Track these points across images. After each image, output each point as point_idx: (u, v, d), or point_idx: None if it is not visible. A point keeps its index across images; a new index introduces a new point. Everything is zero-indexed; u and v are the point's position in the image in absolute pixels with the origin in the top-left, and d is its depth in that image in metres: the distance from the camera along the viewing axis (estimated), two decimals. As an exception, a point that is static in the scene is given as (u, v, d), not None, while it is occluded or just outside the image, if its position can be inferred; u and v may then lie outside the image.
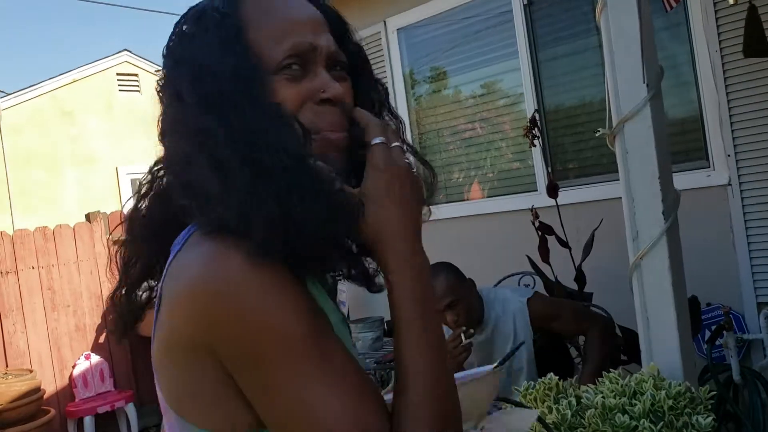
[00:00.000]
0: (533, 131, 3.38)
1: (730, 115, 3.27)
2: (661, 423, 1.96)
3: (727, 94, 3.27)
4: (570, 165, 4.06)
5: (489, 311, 2.61)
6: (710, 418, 2.03)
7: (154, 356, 0.81)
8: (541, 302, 2.72)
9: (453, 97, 4.61)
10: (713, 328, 3.13)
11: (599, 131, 2.46)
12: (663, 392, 2.05)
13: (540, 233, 3.44)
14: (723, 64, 3.27)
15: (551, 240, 3.45)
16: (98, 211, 5.80)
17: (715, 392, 2.24)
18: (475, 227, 4.34)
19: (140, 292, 0.90)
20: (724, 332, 3.07)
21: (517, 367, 2.67)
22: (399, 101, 4.67)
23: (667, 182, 2.35)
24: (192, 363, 0.75)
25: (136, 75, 11.32)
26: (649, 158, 2.33)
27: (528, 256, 3.48)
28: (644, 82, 2.33)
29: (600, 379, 2.27)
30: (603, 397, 2.07)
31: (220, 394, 0.75)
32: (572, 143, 4.00)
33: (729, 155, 3.29)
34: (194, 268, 0.74)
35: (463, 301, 2.50)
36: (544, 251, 3.43)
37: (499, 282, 3.67)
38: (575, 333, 2.71)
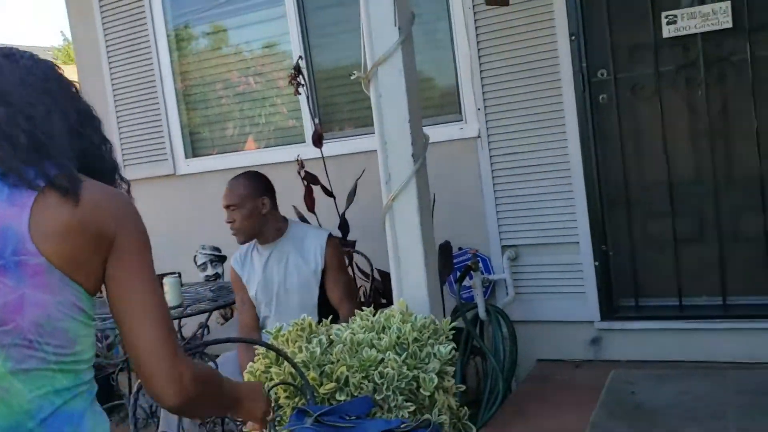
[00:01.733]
0: (297, 78, 3.33)
1: (481, 70, 3.48)
2: (405, 354, 2.03)
3: (479, 49, 3.47)
4: (337, 117, 4.09)
5: (294, 232, 2.87)
6: (450, 347, 2.15)
7: None
8: (338, 246, 2.88)
9: (219, 48, 4.42)
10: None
11: (354, 74, 2.47)
12: (408, 325, 2.13)
13: (306, 183, 3.44)
14: (475, 20, 3.46)
15: (317, 190, 3.46)
16: None
17: (455, 323, 2.37)
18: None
19: None
20: (472, 273, 3.29)
21: (289, 286, 2.71)
22: (162, 55, 4.38)
23: (416, 125, 2.42)
24: None
25: None
26: (400, 102, 2.38)
27: (294, 206, 3.47)
28: (396, 26, 2.36)
29: (352, 317, 2.31)
30: (352, 333, 2.10)
31: None
32: (339, 95, 4.02)
33: (479, 109, 3.51)
34: None
35: (239, 210, 2.77)
36: (309, 201, 3.44)
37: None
38: (335, 300, 2.75)
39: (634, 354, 3.29)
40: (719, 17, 3.06)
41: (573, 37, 3.28)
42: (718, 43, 3.11)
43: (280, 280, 2.76)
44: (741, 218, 3.15)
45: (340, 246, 2.87)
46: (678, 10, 3.11)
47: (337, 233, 3.42)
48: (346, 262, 2.88)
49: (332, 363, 1.98)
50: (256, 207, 2.76)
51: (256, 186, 2.81)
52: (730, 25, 3.04)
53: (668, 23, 3.13)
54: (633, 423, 2.70)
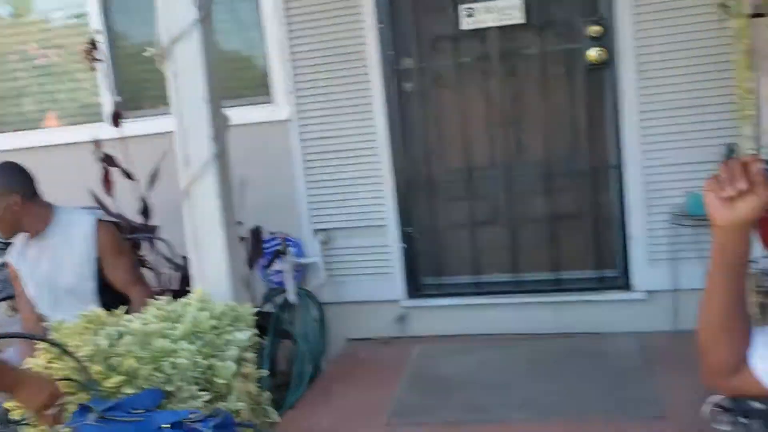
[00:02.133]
0: (92, 54, 3.12)
1: (292, 53, 3.45)
2: (201, 342, 1.99)
3: (290, 31, 3.44)
4: (145, 94, 3.88)
5: (60, 219, 2.62)
6: (249, 333, 2.13)
7: None
8: (109, 229, 2.67)
9: (15, 18, 4.02)
10: (274, 254, 3.34)
11: (149, 50, 2.35)
12: (206, 313, 2.08)
13: (103, 165, 3.24)
14: (286, 2, 3.42)
15: (118, 173, 3.27)
16: None
17: (258, 308, 2.36)
18: (43, 159, 3.88)
19: None
20: (282, 257, 3.29)
21: (62, 278, 2.54)
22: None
23: (216, 107, 2.35)
24: None
25: None
26: (198, 82, 2.31)
27: (91, 190, 3.25)
28: (195, 5, 2.28)
29: (145, 306, 2.22)
30: (144, 323, 2.02)
31: None
32: (146, 71, 3.81)
33: (290, 92, 3.49)
34: None
35: None
36: (107, 184, 3.24)
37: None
38: (121, 285, 2.59)
39: (437, 329, 3.46)
40: (512, 12, 3.28)
41: (381, 25, 3.35)
42: (512, 37, 3.33)
43: (51, 272, 2.57)
44: (529, 201, 3.41)
45: (113, 228, 2.70)
46: (475, 4, 3.29)
47: (139, 218, 3.27)
48: (123, 244, 2.72)
49: (120, 355, 1.89)
50: (8, 206, 2.52)
51: (2, 183, 2.56)
52: (522, 20, 3.27)
53: (467, 16, 3.30)
54: (432, 395, 2.85)
